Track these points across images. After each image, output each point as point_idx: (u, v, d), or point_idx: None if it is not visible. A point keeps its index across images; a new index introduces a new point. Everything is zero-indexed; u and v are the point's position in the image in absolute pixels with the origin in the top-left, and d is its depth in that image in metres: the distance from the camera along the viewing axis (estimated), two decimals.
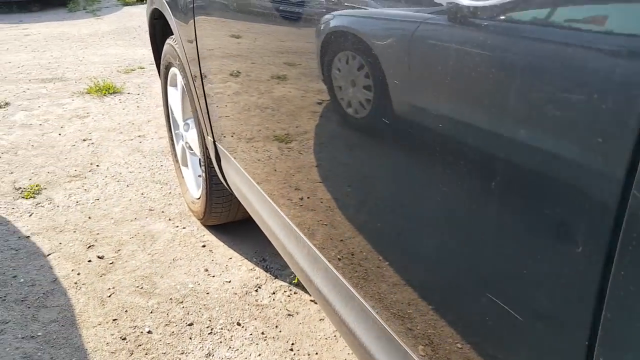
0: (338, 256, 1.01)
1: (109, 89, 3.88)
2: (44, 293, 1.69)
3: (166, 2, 1.86)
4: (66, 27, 6.33)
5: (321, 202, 1.04)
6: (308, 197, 1.10)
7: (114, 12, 7.38)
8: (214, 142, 1.58)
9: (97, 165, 2.67)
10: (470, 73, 0.54)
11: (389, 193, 0.79)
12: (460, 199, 0.61)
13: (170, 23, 1.86)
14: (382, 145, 0.75)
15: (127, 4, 7.91)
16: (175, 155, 2.38)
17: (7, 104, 3.59)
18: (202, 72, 1.54)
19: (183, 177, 2.29)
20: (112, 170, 2.62)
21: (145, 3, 7.55)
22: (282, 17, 0.98)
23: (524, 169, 0.51)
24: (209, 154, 1.73)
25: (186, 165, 2.27)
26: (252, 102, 1.21)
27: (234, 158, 1.44)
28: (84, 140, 3.00)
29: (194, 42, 1.53)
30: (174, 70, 2.08)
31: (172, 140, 2.41)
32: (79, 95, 3.81)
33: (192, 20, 1.51)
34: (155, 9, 2.07)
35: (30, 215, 2.16)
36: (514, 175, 0.52)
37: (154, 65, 4.78)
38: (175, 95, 2.19)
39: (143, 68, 4.59)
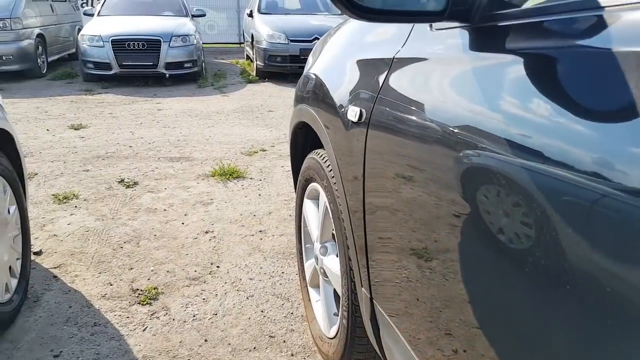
0: None
1: (233, 173, 3.82)
2: None
3: (319, 117, 1.66)
4: (195, 103, 6.62)
5: None
6: None
7: (239, 89, 7.67)
8: (371, 299, 1.27)
9: (217, 267, 2.49)
10: None
11: None
12: None
13: (322, 140, 1.64)
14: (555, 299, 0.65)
15: (250, 82, 8.21)
16: (303, 272, 2.13)
17: (135, 183, 3.62)
18: (366, 210, 1.27)
19: (310, 300, 2.01)
20: (232, 274, 2.42)
21: (266, 81, 7.81)
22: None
23: None
24: (357, 302, 1.43)
25: (315, 287, 2.00)
26: (447, 266, 0.90)
27: (402, 334, 1.11)
28: (206, 232, 2.87)
29: (360, 168, 1.27)
30: (315, 186, 1.86)
31: (301, 253, 2.17)
32: (204, 178, 3.78)
33: (362, 142, 1.25)
34: (301, 121, 1.89)
35: (144, 330, 1.97)
36: None
37: (275, 147, 4.77)
38: (312, 211, 1.96)
39: (265, 150, 4.55)
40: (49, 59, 8.65)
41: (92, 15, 8.65)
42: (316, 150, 1.84)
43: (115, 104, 6.40)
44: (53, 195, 3.31)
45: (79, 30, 8.91)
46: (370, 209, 1.25)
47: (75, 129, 5.09)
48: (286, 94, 7.30)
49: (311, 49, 8.46)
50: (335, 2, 0.84)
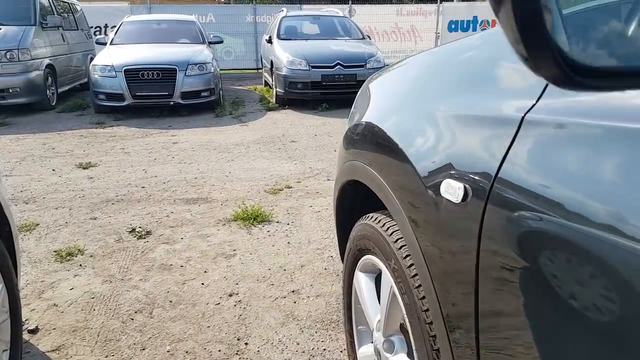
0: None
1: (257, 216, 3.42)
2: None
3: (385, 182, 1.25)
4: (213, 134, 6.27)
5: None
6: None
7: (259, 118, 7.31)
8: None
9: (246, 343, 2.07)
10: None
11: None
12: None
13: (389, 207, 1.24)
14: None
15: (270, 110, 7.86)
16: (355, 359, 1.71)
17: (148, 233, 3.23)
18: (481, 321, 0.86)
19: None
20: (263, 354, 2.00)
21: (287, 108, 7.44)
22: None
23: None
24: None
25: None
26: None
27: None
28: (230, 295, 2.46)
29: (470, 263, 0.87)
30: (372, 259, 1.45)
31: (351, 335, 1.75)
32: (225, 223, 3.38)
33: (471, 230, 0.85)
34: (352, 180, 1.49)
35: None
36: None
37: (302, 183, 4.36)
38: (367, 287, 1.55)
39: (290, 187, 4.15)
40: (59, 90, 8.36)
41: (105, 44, 8.40)
42: (373, 216, 1.44)
43: (128, 138, 6.07)
44: (55, 251, 2.92)
45: (92, 59, 8.67)
46: (490, 319, 0.84)
47: (84, 168, 4.73)
48: (308, 122, 6.94)
49: (333, 75, 8.07)
50: (536, 65, 0.46)
